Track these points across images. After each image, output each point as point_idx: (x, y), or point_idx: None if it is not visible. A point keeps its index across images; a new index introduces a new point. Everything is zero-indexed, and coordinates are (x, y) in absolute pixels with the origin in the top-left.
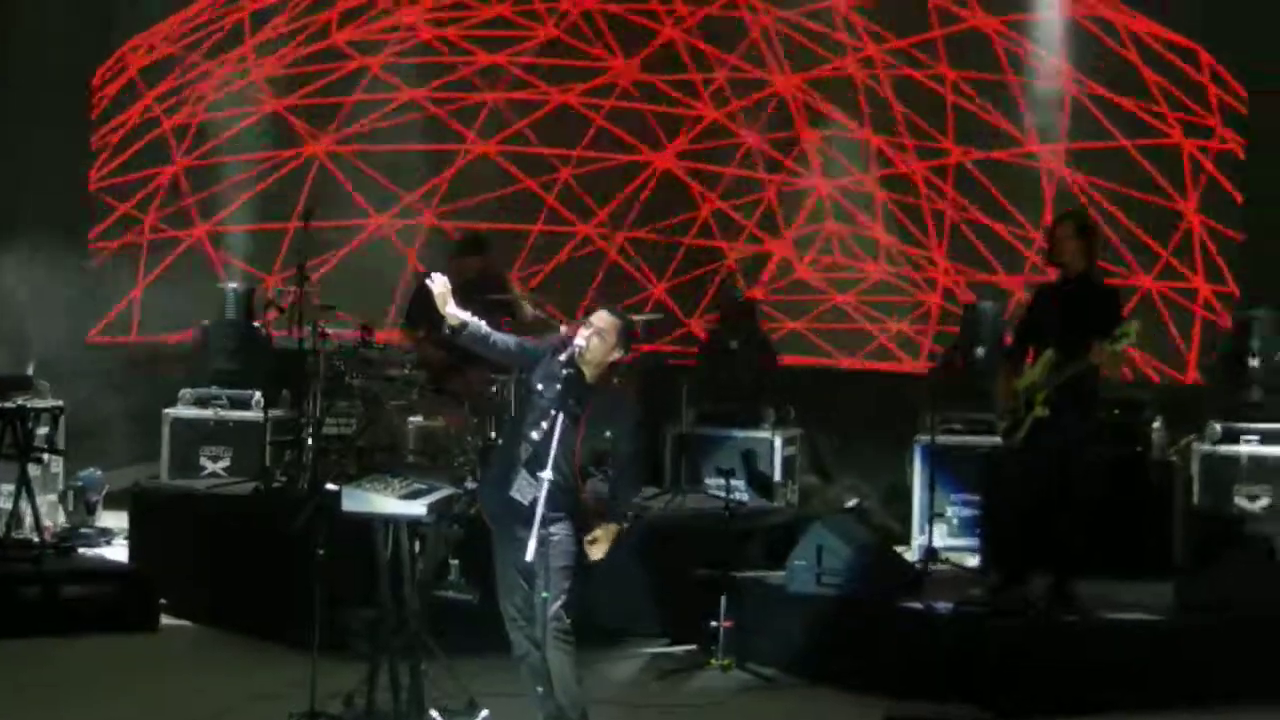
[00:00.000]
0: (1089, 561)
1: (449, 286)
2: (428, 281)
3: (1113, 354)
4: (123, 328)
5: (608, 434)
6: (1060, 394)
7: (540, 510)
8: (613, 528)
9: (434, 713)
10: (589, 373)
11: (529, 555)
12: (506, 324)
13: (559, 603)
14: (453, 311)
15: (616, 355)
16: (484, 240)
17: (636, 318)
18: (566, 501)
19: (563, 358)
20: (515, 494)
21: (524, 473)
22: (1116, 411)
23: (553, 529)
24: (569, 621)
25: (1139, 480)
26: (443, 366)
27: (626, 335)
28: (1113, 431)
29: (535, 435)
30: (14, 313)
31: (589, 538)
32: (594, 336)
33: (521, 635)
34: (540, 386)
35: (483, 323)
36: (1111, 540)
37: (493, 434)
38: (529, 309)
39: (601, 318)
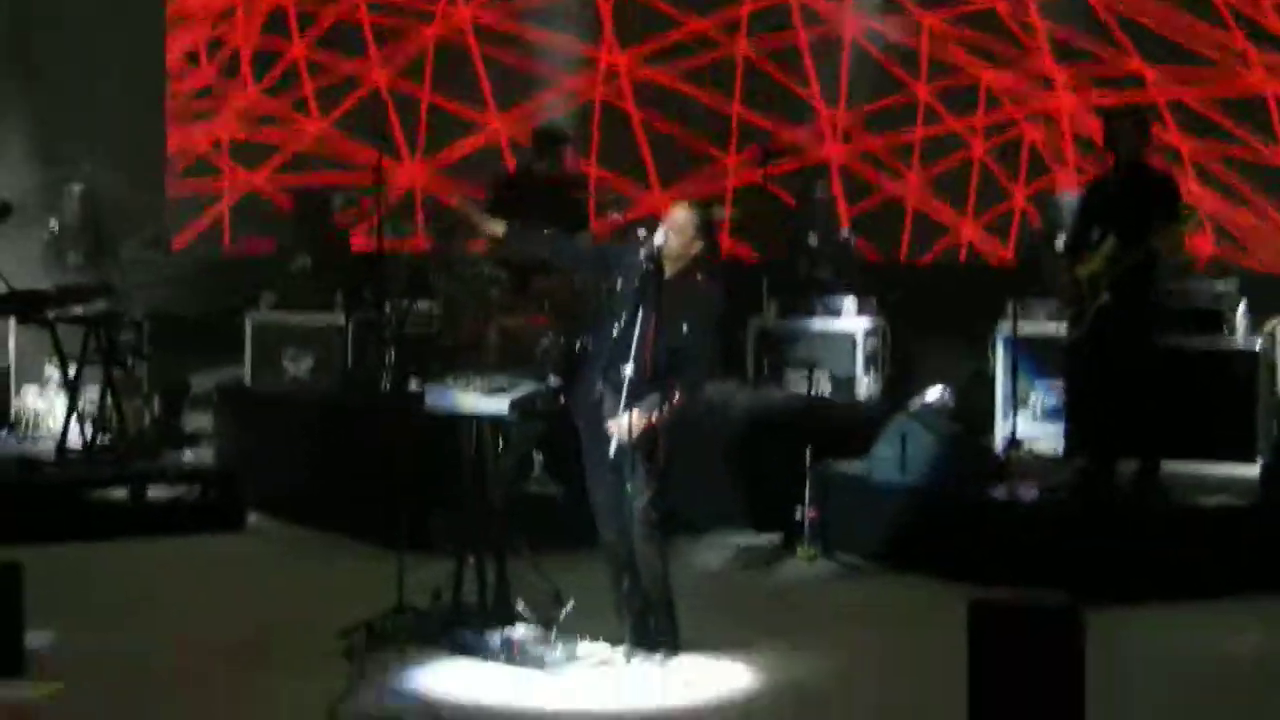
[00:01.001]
0: (1173, 447)
1: (470, 204)
2: (459, 202)
3: (1172, 236)
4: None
5: (685, 328)
6: (1122, 281)
7: (622, 404)
8: (637, 416)
9: (520, 606)
10: (669, 268)
11: (612, 450)
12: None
13: (645, 496)
14: (484, 224)
15: (696, 248)
16: (556, 135)
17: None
18: (650, 395)
19: (642, 254)
20: (599, 388)
21: (608, 368)
22: (1199, 298)
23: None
24: (657, 515)
25: (1222, 367)
26: (524, 265)
27: (705, 227)
28: (1195, 319)
29: (615, 331)
30: (97, 219)
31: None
32: (671, 231)
33: (609, 529)
34: (620, 284)
35: (530, 229)
36: (1196, 427)
37: (574, 333)
38: (612, 213)
39: (678, 211)
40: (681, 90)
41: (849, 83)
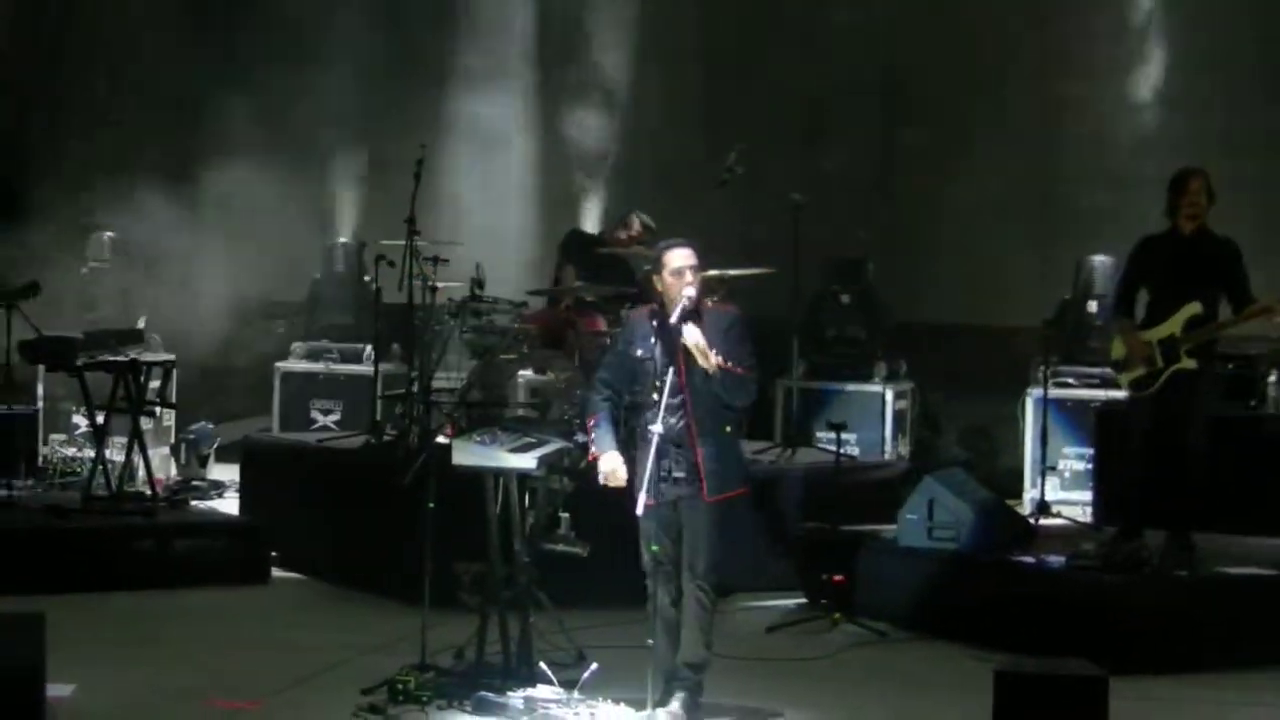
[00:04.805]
0: (1205, 517)
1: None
2: None
3: None
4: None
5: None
6: (1198, 347)
7: (650, 464)
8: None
9: (543, 665)
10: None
11: (638, 509)
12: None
13: (705, 564)
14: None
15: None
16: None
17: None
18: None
19: (674, 317)
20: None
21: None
22: (1231, 366)
23: (686, 490)
24: (712, 583)
25: (1255, 435)
26: (554, 321)
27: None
28: (1228, 386)
29: (654, 395)
30: (127, 266)
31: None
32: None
33: (660, 586)
34: (640, 352)
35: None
36: (1228, 495)
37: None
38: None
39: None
40: None
41: None
